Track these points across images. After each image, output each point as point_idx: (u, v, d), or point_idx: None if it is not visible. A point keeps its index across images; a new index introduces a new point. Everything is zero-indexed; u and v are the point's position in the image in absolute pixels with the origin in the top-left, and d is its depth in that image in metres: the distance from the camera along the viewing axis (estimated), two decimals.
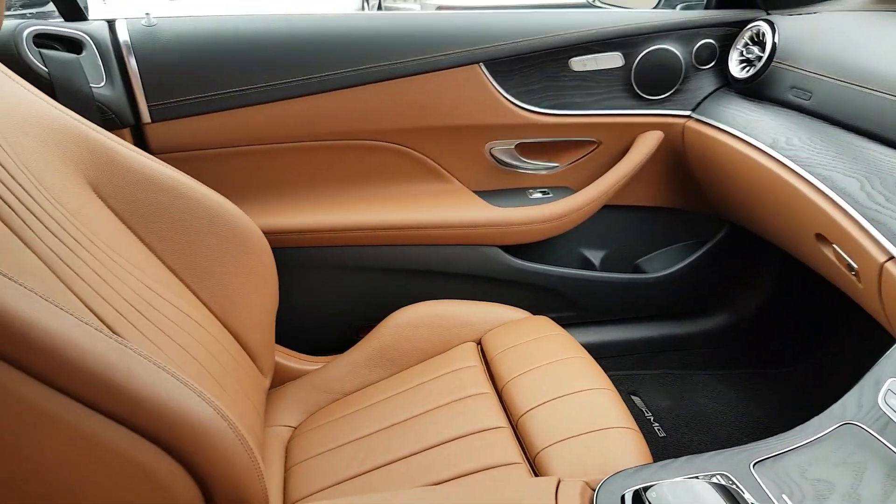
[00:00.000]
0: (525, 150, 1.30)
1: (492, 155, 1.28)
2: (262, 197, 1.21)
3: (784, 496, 0.65)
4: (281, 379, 1.13)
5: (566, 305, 1.38)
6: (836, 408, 0.74)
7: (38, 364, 0.51)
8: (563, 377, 0.96)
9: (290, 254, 1.20)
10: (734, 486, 0.59)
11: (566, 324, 1.25)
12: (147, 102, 1.08)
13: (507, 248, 1.30)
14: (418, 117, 1.20)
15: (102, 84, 1.05)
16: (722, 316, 1.49)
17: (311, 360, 1.18)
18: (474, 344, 1.11)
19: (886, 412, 0.71)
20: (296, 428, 1.06)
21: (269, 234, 1.08)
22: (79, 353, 0.53)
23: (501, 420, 0.91)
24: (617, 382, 1.02)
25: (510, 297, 1.24)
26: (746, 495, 0.59)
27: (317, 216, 1.21)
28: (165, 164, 0.89)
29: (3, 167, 0.66)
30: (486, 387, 0.99)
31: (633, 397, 1.43)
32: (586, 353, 1.02)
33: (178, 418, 0.58)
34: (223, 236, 0.92)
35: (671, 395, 1.45)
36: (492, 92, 1.21)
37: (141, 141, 1.11)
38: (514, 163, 1.30)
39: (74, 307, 0.55)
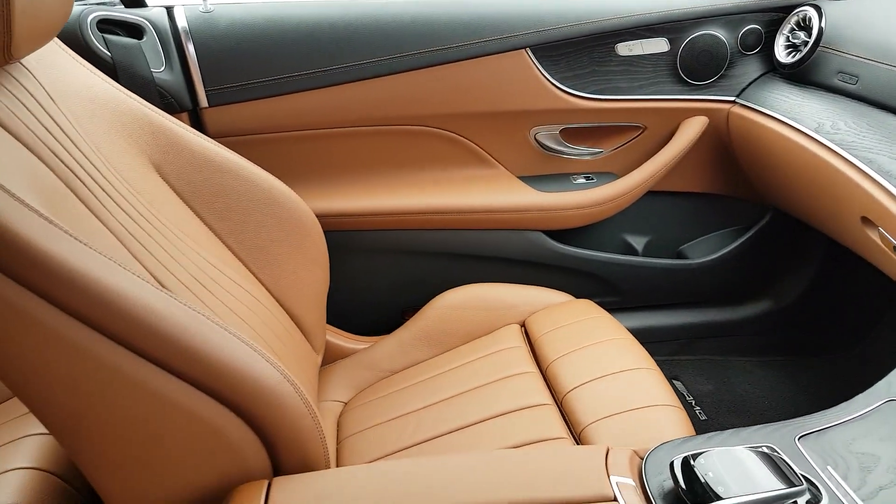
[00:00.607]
0: (570, 135, 1.31)
1: (536, 140, 1.30)
2: (313, 181, 1.26)
3: (829, 468, 0.66)
4: (331, 357, 1.18)
5: (609, 290, 1.40)
6: (881, 385, 0.75)
7: (117, 328, 0.55)
8: (607, 357, 0.98)
9: (340, 237, 1.24)
10: (779, 456, 0.61)
11: (609, 309, 1.26)
12: (205, 87, 1.13)
13: (551, 233, 1.32)
14: (465, 103, 1.23)
15: (162, 69, 1.10)
16: (764, 302, 1.48)
17: (360, 340, 1.23)
18: (518, 326, 1.14)
19: None
20: (346, 403, 1.10)
21: (321, 217, 1.12)
22: (156, 318, 0.57)
23: (546, 398, 0.94)
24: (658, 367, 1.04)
25: (553, 281, 1.26)
26: (793, 465, 0.61)
27: (366, 200, 1.25)
28: (223, 146, 0.94)
29: (77, 148, 0.71)
30: (531, 366, 1.02)
31: (674, 382, 1.45)
32: (630, 334, 1.04)
33: (249, 381, 0.61)
34: (279, 217, 0.97)
35: (712, 380, 1.46)
36: (538, 77, 1.23)
37: (198, 125, 1.15)
38: (559, 148, 1.31)
39: (146, 278, 0.60)
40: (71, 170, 0.67)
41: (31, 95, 0.68)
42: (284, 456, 0.66)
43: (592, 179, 1.33)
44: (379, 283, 1.32)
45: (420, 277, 1.30)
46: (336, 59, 1.15)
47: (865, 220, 0.94)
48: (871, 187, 0.91)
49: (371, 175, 1.28)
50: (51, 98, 0.72)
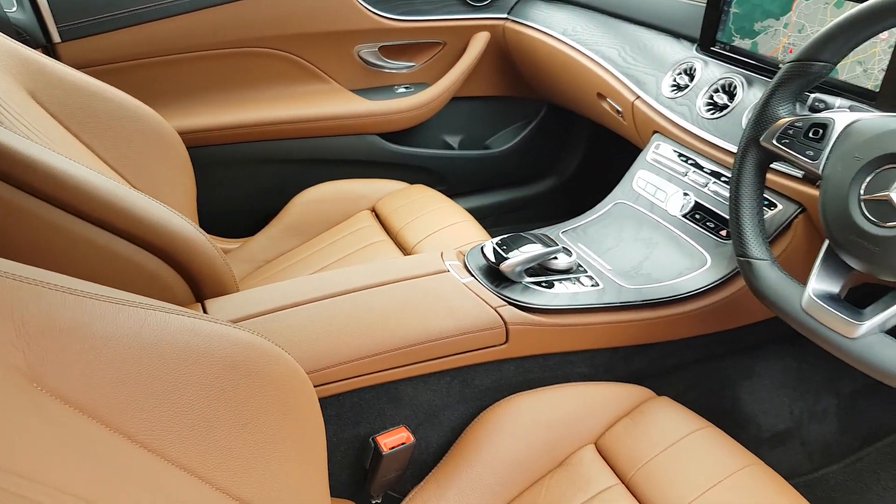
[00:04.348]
0: (388, 52, 1.58)
1: (360, 57, 1.55)
2: (171, 102, 1.40)
3: (579, 243, 1.04)
4: None
5: (437, 180, 1.72)
6: (612, 193, 1.15)
7: (68, 198, 0.73)
8: (438, 217, 1.30)
9: (204, 152, 1.41)
10: (548, 238, 0.96)
11: None
12: (56, 23, 1.21)
13: (385, 136, 1.60)
14: (293, 25, 1.43)
15: (14, 9, 1.18)
16: (550, 179, 1.91)
17: (232, 241, 1.43)
18: (369, 211, 1.42)
19: (637, 190, 1.13)
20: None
21: (183, 134, 1.27)
22: (96, 188, 0.75)
23: (399, 254, 1.24)
24: None
25: (392, 175, 1.54)
26: (556, 241, 0.96)
27: (222, 116, 1.42)
28: (86, 74, 1.06)
29: None
30: (383, 235, 1.31)
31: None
32: (450, 200, 1.37)
33: (171, 232, 0.82)
34: (145, 133, 1.11)
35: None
36: (352, 1, 1.47)
37: (55, 58, 1.24)
38: (380, 63, 1.58)
39: None
40: None
41: None
42: (205, 288, 0.89)
43: (410, 88, 1.62)
44: (243, 190, 1.52)
45: (278, 182, 1.52)
46: None
47: (600, 96, 1.34)
48: (599, 70, 1.31)
49: (224, 94, 1.45)
50: None
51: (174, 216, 0.84)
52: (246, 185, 1.51)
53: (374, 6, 1.50)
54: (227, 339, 0.52)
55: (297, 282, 0.92)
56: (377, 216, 1.39)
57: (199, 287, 0.89)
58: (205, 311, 0.85)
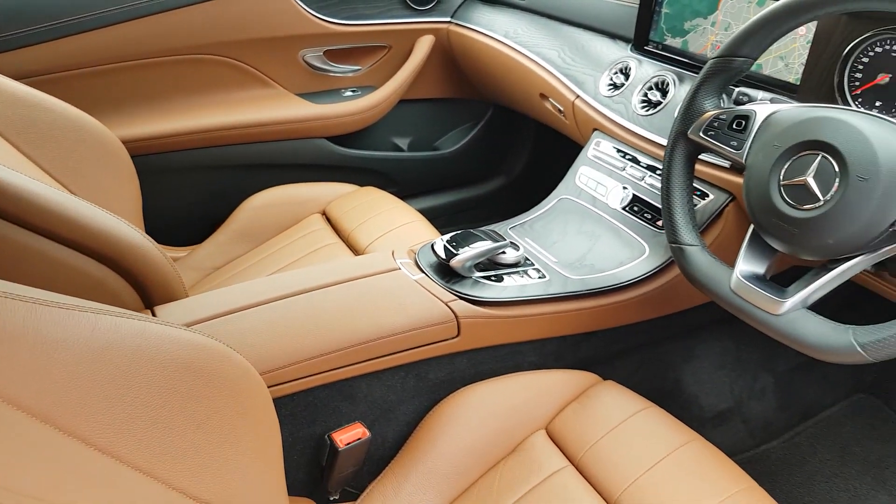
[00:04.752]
0: (333, 56, 1.59)
1: (305, 61, 1.55)
2: (114, 111, 1.37)
3: (526, 237, 1.07)
4: None
5: (387, 182, 1.73)
6: (557, 189, 1.19)
7: (10, 207, 0.72)
8: (388, 218, 1.31)
9: (148, 160, 1.39)
10: (496, 234, 0.99)
11: None
12: None
13: (333, 139, 1.60)
14: (237, 31, 1.42)
15: None
16: (499, 179, 1.94)
17: (179, 249, 1.41)
18: (319, 214, 1.42)
19: (579, 186, 1.17)
20: None
21: (127, 143, 1.25)
22: (38, 198, 0.75)
23: (351, 256, 1.25)
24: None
25: (342, 179, 1.54)
26: (504, 236, 0.99)
27: (166, 124, 1.40)
28: (25, 85, 1.04)
29: None
30: (335, 238, 1.32)
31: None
32: (400, 201, 1.39)
33: (118, 240, 0.82)
34: (88, 142, 1.09)
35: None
36: (295, 6, 1.47)
37: None
38: (325, 67, 1.58)
39: None
40: None
41: None
42: (153, 295, 0.88)
43: (357, 92, 1.63)
44: (190, 197, 1.49)
45: (226, 189, 1.50)
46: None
47: (542, 96, 1.38)
48: (540, 71, 1.35)
49: (168, 101, 1.43)
50: None
51: (120, 223, 0.83)
52: (193, 193, 1.50)
53: (319, 11, 1.51)
54: (178, 341, 0.53)
55: (247, 285, 0.92)
56: (328, 219, 1.40)
57: (147, 294, 0.88)
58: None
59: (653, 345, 1.12)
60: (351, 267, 0.95)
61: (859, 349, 0.64)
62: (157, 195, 1.41)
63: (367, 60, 1.63)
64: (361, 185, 1.51)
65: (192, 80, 1.44)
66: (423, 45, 1.64)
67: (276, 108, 1.51)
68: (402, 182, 1.76)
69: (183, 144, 1.42)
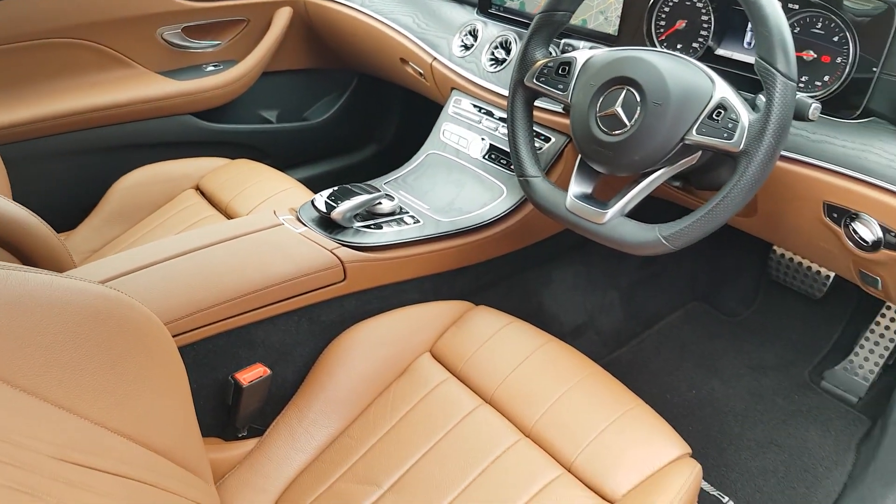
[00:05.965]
0: (192, 32, 1.58)
1: (164, 39, 1.53)
2: None
3: (400, 190, 1.17)
4: None
5: (259, 155, 1.75)
6: (424, 146, 1.29)
7: None
8: (270, 184, 1.36)
9: (17, 148, 1.33)
10: (374, 188, 1.07)
11: None
12: None
13: (199, 115, 1.60)
14: (90, 13, 1.39)
15: None
16: (371, 147, 2.03)
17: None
18: (193, 189, 1.43)
19: (444, 141, 1.28)
20: None
21: None
22: None
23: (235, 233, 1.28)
24: None
25: (213, 154, 1.55)
26: (381, 189, 1.08)
27: (26, 111, 1.35)
28: None
29: None
30: (212, 211, 1.35)
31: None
32: (275, 170, 1.44)
33: (3, 216, 0.83)
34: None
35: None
36: None
37: None
38: (185, 44, 1.57)
39: None
40: None
41: None
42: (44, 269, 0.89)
43: (219, 66, 1.63)
44: (59, 183, 1.45)
45: (95, 172, 1.47)
46: None
47: (403, 60, 1.48)
48: (399, 37, 1.44)
49: (27, 88, 1.37)
50: None
51: (4, 200, 0.84)
52: (62, 178, 1.45)
53: None
54: (85, 292, 0.58)
55: (135, 251, 0.95)
56: (202, 193, 1.42)
57: (36, 267, 0.89)
58: None
59: (517, 274, 1.28)
60: (235, 226, 1.01)
61: (663, 241, 0.81)
62: (25, 183, 1.35)
63: (227, 35, 1.64)
64: (233, 158, 1.53)
65: (50, 66, 1.39)
66: (282, 17, 1.67)
67: (138, 88, 1.49)
68: (275, 154, 1.79)
69: (48, 130, 1.38)
